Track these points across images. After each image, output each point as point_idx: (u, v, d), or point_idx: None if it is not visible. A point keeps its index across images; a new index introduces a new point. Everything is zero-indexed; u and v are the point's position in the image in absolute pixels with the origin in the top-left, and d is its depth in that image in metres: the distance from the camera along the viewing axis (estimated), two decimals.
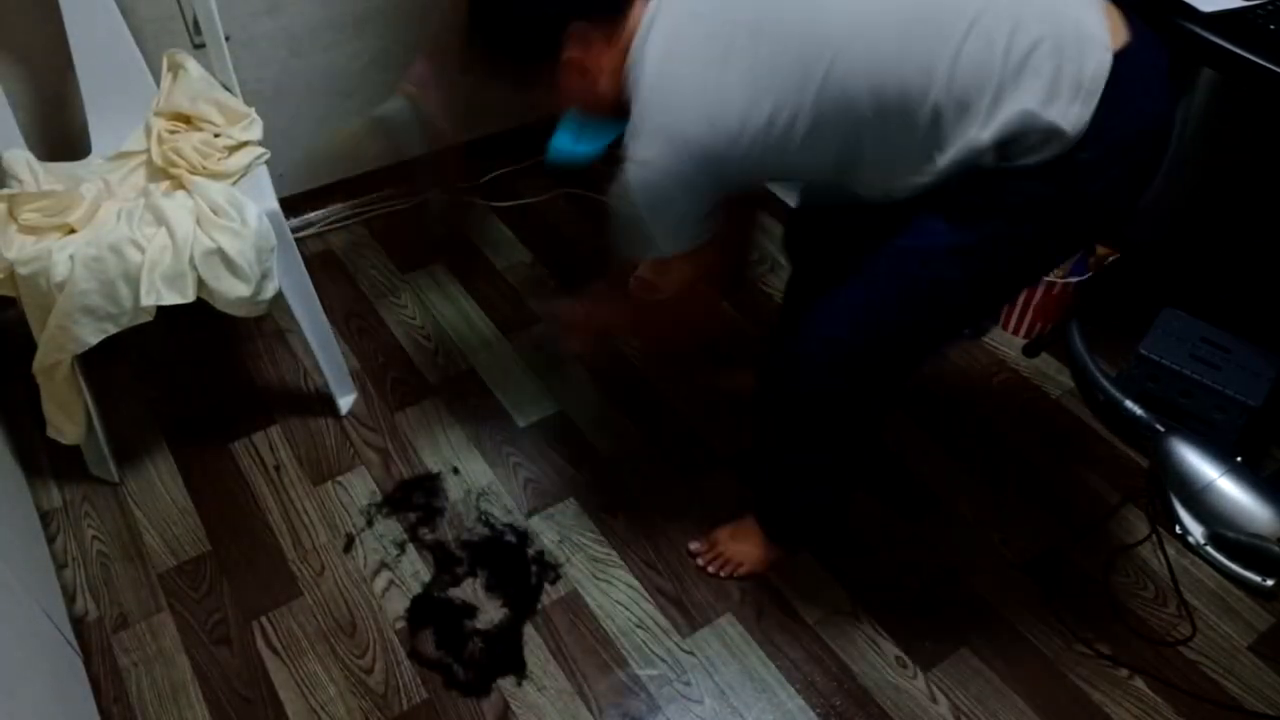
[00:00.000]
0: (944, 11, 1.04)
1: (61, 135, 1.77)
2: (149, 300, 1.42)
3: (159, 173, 1.56)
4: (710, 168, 1.10)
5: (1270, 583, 1.55)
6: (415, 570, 1.57)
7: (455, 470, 1.71)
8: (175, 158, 1.54)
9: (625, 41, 1.12)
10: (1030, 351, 1.95)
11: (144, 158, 1.60)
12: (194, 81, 1.66)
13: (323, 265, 2.12)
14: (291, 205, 2.16)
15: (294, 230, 2.17)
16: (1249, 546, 1.56)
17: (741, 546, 1.56)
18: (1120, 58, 1.05)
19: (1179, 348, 1.73)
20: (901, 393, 1.76)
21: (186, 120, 1.63)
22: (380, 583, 1.56)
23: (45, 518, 1.64)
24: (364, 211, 2.24)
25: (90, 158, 1.65)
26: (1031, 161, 1.06)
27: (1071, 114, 1.04)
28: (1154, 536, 1.63)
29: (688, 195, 1.14)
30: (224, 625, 1.50)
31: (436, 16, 1.95)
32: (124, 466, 1.71)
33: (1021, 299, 1.92)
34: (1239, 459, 1.63)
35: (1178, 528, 1.63)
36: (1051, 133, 1.04)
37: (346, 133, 2.09)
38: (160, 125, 1.60)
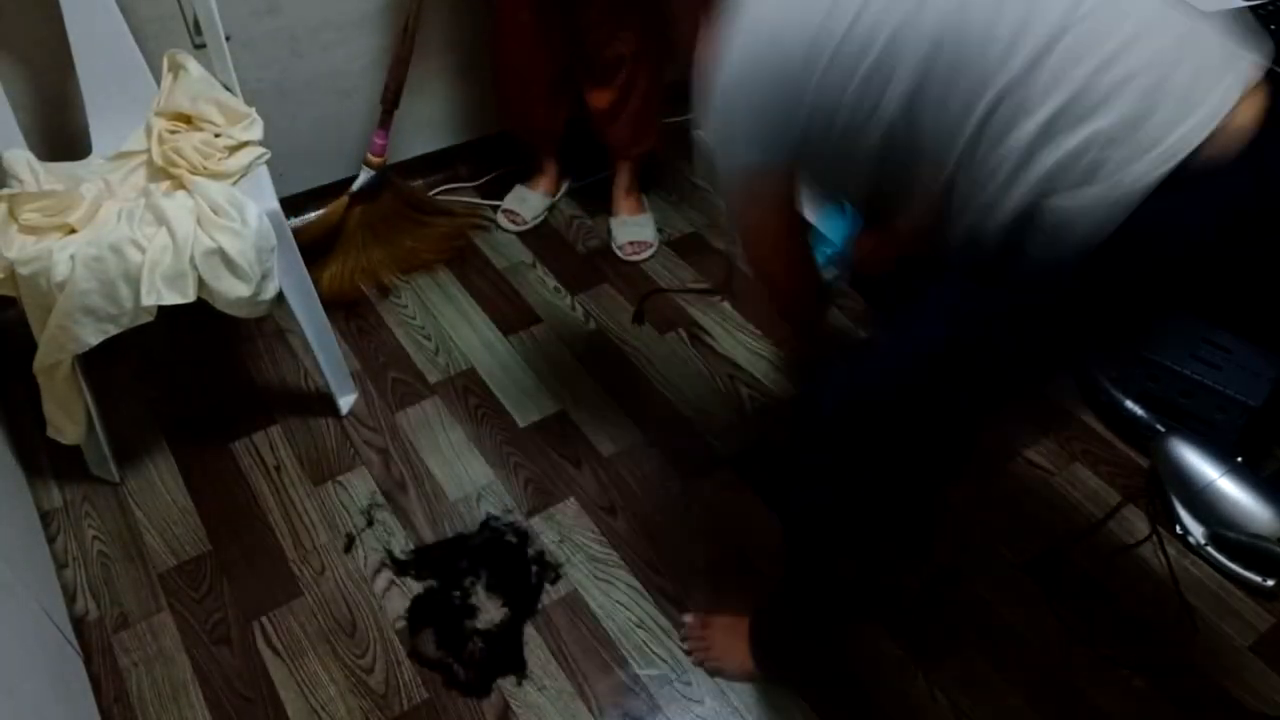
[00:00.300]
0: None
1: (62, 135, 1.77)
2: (149, 300, 1.42)
3: (159, 173, 1.56)
4: (779, 61, 0.99)
5: (1271, 583, 1.55)
6: (416, 570, 1.57)
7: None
8: (176, 158, 1.54)
9: None
10: None
11: (144, 158, 1.60)
12: (194, 81, 1.66)
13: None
14: (292, 205, 2.17)
15: (294, 229, 2.17)
16: (1249, 546, 1.56)
17: (730, 645, 1.45)
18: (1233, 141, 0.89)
19: (1180, 348, 1.73)
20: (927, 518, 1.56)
21: (187, 120, 1.63)
22: (380, 583, 1.56)
23: (46, 518, 1.64)
24: None
25: (91, 158, 1.65)
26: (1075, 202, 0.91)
27: (1145, 163, 0.89)
28: (1154, 536, 1.63)
29: (756, 93, 1.02)
30: (224, 625, 1.50)
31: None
32: (124, 466, 1.71)
33: None
34: (1239, 459, 1.63)
35: (1178, 528, 1.63)
36: (1112, 173, 0.90)
37: None
38: (161, 125, 1.60)
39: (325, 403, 1.82)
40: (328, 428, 1.79)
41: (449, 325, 2.00)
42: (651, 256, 2.17)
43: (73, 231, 1.45)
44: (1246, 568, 1.57)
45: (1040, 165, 0.91)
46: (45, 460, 1.71)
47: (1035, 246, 0.94)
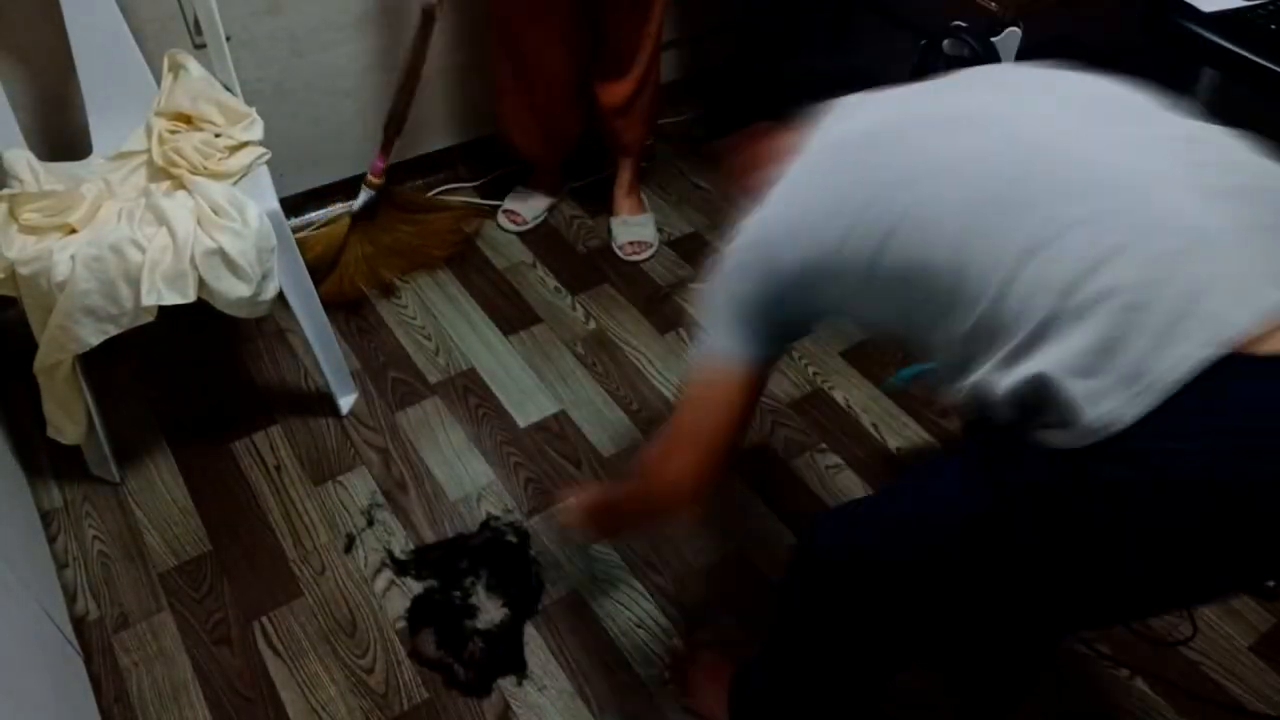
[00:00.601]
0: (1038, 198, 0.83)
1: (62, 135, 1.77)
2: (150, 300, 1.42)
3: (160, 173, 1.56)
4: (772, 265, 1.00)
5: (1271, 583, 1.55)
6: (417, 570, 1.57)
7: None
8: (176, 158, 1.54)
9: (784, 148, 1.07)
10: None
11: (145, 158, 1.59)
12: (195, 81, 1.66)
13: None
14: (292, 205, 2.17)
15: (294, 230, 2.16)
16: None
17: (709, 690, 1.38)
18: (1244, 363, 0.75)
19: None
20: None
21: (187, 120, 1.63)
22: (381, 583, 1.56)
23: (46, 518, 1.64)
24: None
25: (91, 158, 1.65)
26: (1050, 440, 0.81)
27: (1105, 406, 0.76)
28: None
29: (743, 289, 1.03)
30: (224, 625, 1.50)
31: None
32: (125, 466, 1.71)
33: None
34: None
35: None
36: (1069, 412, 0.78)
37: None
38: (161, 125, 1.60)
39: (325, 403, 1.82)
40: (328, 428, 1.79)
41: (449, 325, 2.00)
42: (652, 256, 2.17)
43: (73, 231, 1.45)
44: None
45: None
46: (45, 460, 1.71)
47: (1048, 428, 0.81)
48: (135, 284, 1.41)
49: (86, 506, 1.66)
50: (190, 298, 1.44)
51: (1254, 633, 1.51)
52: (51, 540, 1.61)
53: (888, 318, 1.02)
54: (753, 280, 1.02)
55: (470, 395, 1.86)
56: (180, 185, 1.52)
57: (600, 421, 1.81)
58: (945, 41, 1.58)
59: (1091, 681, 1.45)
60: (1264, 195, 0.84)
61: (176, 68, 1.67)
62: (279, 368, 1.91)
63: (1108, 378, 0.77)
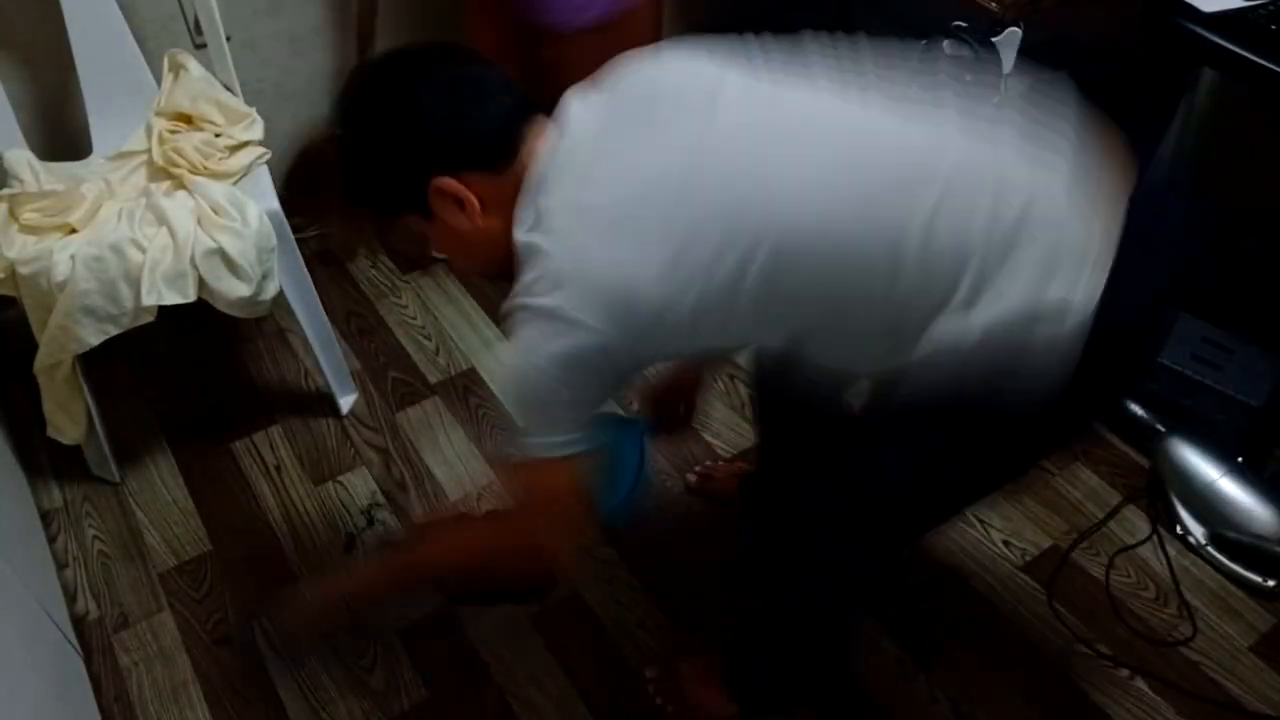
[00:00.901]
0: (908, 177, 0.89)
1: (63, 135, 1.77)
2: (150, 300, 1.42)
3: (160, 172, 1.56)
4: (623, 331, 0.88)
5: (1271, 583, 1.55)
6: None
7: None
8: (176, 157, 1.54)
9: (514, 184, 0.94)
10: None
11: (145, 158, 1.60)
12: (195, 81, 1.66)
13: (323, 265, 2.12)
14: (292, 205, 2.16)
15: (294, 230, 2.17)
16: (1250, 547, 1.56)
17: (704, 691, 1.38)
18: (1131, 213, 0.90)
19: (1180, 348, 1.73)
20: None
21: (187, 120, 1.63)
22: None
23: (46, 517, 1.64)
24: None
25: (91, 157, 1.65)
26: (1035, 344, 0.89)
27: (1082, 283, 0.88)
28: (1155, 537, 1.63)
29: (585, 364, 0.89)
30: (225, 625, 1.50)
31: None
32: (125, 466, 1.71)
33: None
34: (1240, 459, 1.62)
35: (1179, 528, 1.63)
36: (1061, 310, 0.88)
37: None
38: (161, 125, 1.60)
39: (326, 402, 1.82)
40: (328, 428, 1.79)
41: (449, 325, 2.00)
42: None
43: (73, 231, 1.45)
44: (1247, 568, 1.57)
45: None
46: (45, 460, 1.71)
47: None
48: (135, 284, 1.42)
49: (86, 506, 1.66)
50: (190, 298, 1.44)
51: (1254, 633, 1.51)
52: (51, 540, 1.61)
53: (783, 325, 0.98)
54: (593, 338, 0.88)
55: (471, 395, 1.86)
56: (180, 185, 1.52)
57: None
58: (945, 41, 1.58)
59: (1091, 681, 1.45)
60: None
61: (177, 68, 1.67)
62: (279, 368, 1.91)
63: (1066, 272, 0.88)
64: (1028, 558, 1.60)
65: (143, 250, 1.42)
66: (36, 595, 1.35)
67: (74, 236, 1.44)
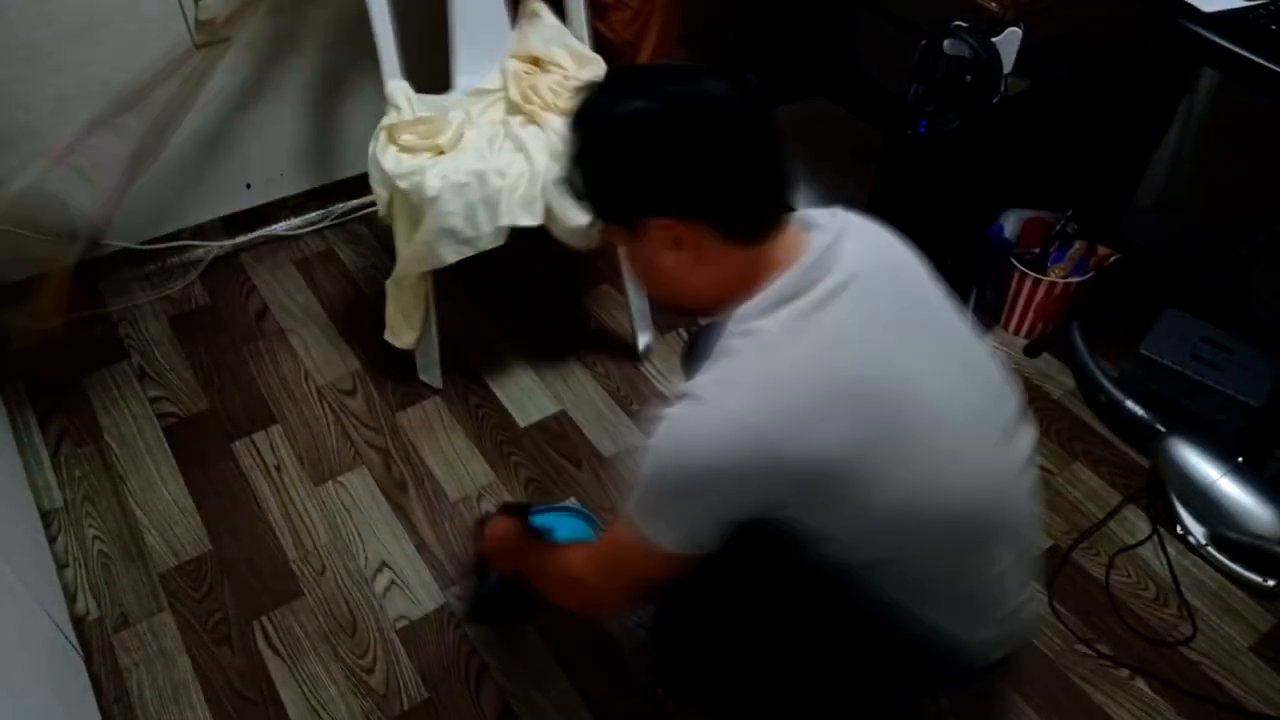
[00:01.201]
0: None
1: (430, 73, 1.81)
2: (505, 221, 1.58)
3: (514, 108, 1.71)
4: (765, 461, 0.88)
5: (1272, 583, 1.55)
6: (417, 570, 1.57)
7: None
8: (532, 95, 1.69)
9: (740, 263, 0.93)
10: (1031, 352, 1.94)
11: (499, 95, 1.75)
12: (547, 28, 1.81)
13: (324, 264, 2.12)
14: (292, 205, 2.17)
15: (295, 229, 2.18)
16: (1250, 547, 1.56)
17: None
18: None
19: (1180, 348, 1.73)
20: None
21: (535, 63, 1.78)
22: (381, 583, 1.56)
23: (46, 517, 1.64)
24: (365, 210, 2.24)
25: (452, 93, 1.80)
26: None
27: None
28: (1155, 537, 1.63)
29: (726, 473, 0.90)
30: (225, 625, 1.50)
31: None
32: (130, 466, 1.71)
33: (1023, 298, 1.91)
34: (1240, 459, 1.62)
35: (1179, 528, 1.63)
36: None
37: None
38: (516, 66, 1.75)
39: (326, 401, 1.83)
40: (328, 428, 1.80)
41: (450, 325, 2.00)
42: None
43: (440, 153, 1.60)
44: (1247, 568, 1.57)
45: None
46: (46, 459, 1.71)
47: None
48: (493, 209, 1.58)
49: (87, 506, 1.66)
50: (540, 220, 1.60)
51: (1254, 633, 1.51)
52: (52, 540, 1.61)
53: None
54: (747, 466, 0.89)
55: (471, 395, 1.86)
56: (533, 120, 1.67)
57: (600, 421, 1.81)
58: (945, 41, 1.58)
59: (1091, 681, 1.45)
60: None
61: (531, 15, 1.82)
62: (280, 367, 1.91)
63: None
64: None
65: (503, 176, 1.57)
66: (36, 595, 1.35)
67: (442, 158, 1.59)
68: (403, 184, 1.56)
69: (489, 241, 1.61)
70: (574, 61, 1.77)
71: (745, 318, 0.93)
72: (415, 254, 1.62)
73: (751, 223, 0.93)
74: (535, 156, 1.60)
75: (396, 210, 1.63)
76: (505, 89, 1.74)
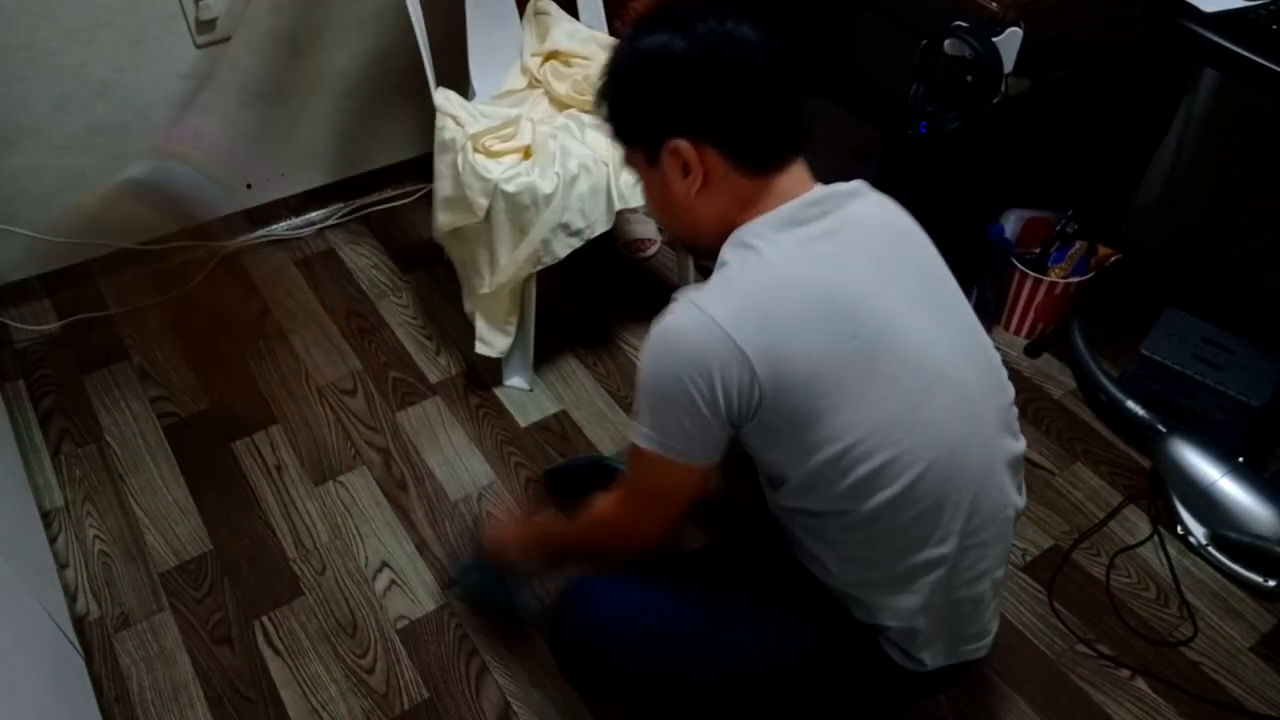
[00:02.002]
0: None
1: (451, 81, 1.79)
2: (619, 205, 1.62)
3: (560, 104, 1.74)
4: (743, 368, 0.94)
5: (1272, 583, 1.55)
6: (417, 570, 1.57)
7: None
8: (584, 86, 1.71)
9: (744, 190, 0.99)
10: (1032, 352, 1.94)
11: (531, 93, 1.79)
12: (565, 23, 1.83)
13: (324, 264, 2.12)
14: (292, 205, 2.17)
15: (295, 229, 2.18)
16: (1251, 547, 1.56)
17: None
18: None
19: (1181, 348, 1.73)
20: None
21: (556, 58, 1.80)
22: (381, 583, 1.56)
23: (47, 517, 1.64)
24: (366, 210, 2.24)
25: (476, 97, 1.81)
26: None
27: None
28: (1156, 537, 1.63)
29: (697, 367, 0.95)
30: (225, 625, 1.51)
31: None
32: (131, 466, 1.71)
33: (1024, 298, 1.91)
34: (1241, 459, 1.62)
35: (1179, 528, 1.63)
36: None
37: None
38: (544, 64, 1.78)
39: (326, 401, 1.83)
40: (328, 427, 1.80)
41: (450, 325, 2.00)
42: (654, 254, 2.17)
43: (528, 154, 1.60)
44: (1248, 568, 1.57)
45: None
46: (47, 459, 1.71)
47: None
48: (602, 196, 1.61)
49: (87, 506, 1.66)
50: (637, 203, 1.64)
51: (1254, 633, 1.51)
52: (52, 540, 1.61)
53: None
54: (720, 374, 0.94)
55: (471, 395, 1.86)
56: (585, 110, 1.70)
57: (600, 421, 1.81)
58: (945, 41, 1.58)
59: (1091, 681, 1.45)
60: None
61: (540, 14, 1.84)
62: (280, 367, 1.91)
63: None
64: (1028, 557, 1.60)
65: (605, 164, 1.60)
66: (37, 595, 1.35)
67: (536, 158, 1.59)
68: (510, 188, 1.55)
69: (600, 228, 1.64)
70: (604, 52, 1.76)
71: (741, 235, 0.99)
72: (527, 255, 1.61)
73: (760, 152, 0.99)
74: (602, 146, 1.61)
75: (496, 217, 1.59)
76: (544, 86, 1.78)
